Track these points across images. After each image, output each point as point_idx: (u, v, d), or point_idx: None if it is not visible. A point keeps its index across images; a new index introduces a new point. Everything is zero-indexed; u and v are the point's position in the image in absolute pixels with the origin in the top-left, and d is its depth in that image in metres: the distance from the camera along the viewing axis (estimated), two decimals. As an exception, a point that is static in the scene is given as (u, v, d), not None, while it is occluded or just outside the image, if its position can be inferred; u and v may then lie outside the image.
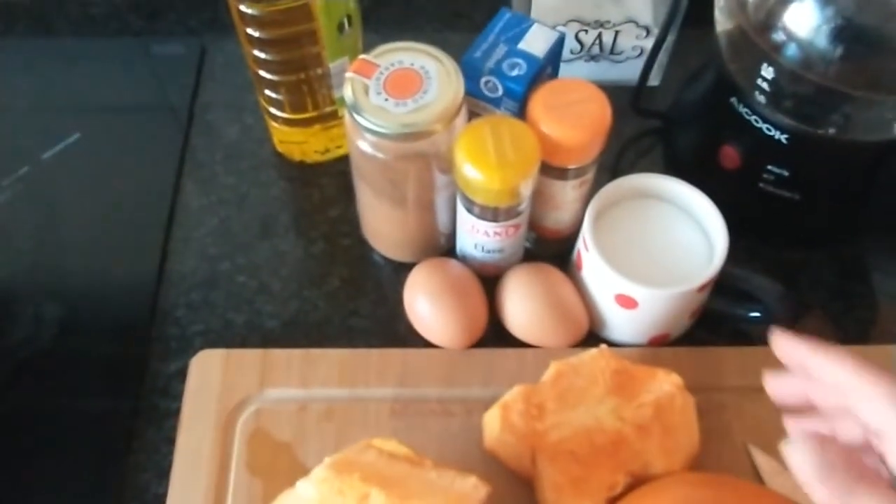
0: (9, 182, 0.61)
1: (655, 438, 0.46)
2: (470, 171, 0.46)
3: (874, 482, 0.32)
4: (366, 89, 0.46)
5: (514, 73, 0.49)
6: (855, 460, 0.33)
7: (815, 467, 0.33)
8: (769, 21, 0.49)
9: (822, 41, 0.47)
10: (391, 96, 0.46)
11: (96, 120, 0.65)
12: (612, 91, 0.50)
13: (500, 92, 0.50)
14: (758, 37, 0.49)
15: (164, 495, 0.48)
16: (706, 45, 0.56)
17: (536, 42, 0.50)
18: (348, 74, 0.47)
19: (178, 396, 0.51)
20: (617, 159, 0.63)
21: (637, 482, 0.45)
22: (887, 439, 0.33)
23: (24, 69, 0.68)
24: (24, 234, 0.59)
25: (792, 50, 0.48)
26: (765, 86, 0.50)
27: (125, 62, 0.69)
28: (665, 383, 0.47)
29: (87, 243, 0.59)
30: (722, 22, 0.53)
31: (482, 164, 0.45)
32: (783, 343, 0.37)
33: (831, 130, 0.50)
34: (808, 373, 0.36)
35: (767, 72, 0.49)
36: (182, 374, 0.52)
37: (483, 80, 0.50)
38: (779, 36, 0.48)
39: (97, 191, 0.62)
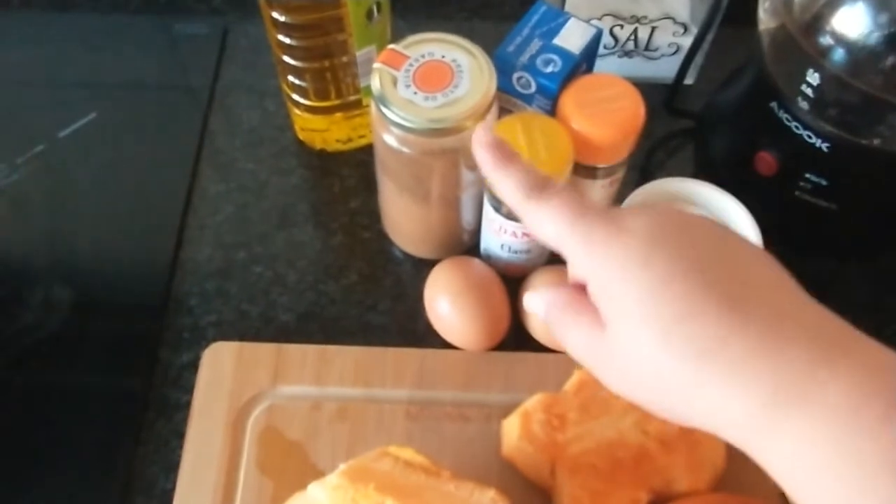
0: (23, 160, 0.60)
1: (680, 454, 0.44)
2: (499, 170, 0.44)
3: (577, 316, 0.35)
4: (394, 81, 0.45)
5: (549, 69, 0.47)
6: (566, 298, 0.37)
7: (542, 312, 0.38)
8: (817, 24, 0.47)
9: (872, 48, 0.45)
10: (420, 89, 0.44)
11: (114, 99, 0.64)
12: (644, 88, 0.48)
13: (534, 88, 0.48)
14: (804, 39, 0.47)
15: (171, 491, 0.46)
16: (744, 44, 0.54)
17: (572, 38, 0.48)
18: (376, 65, 0.45)
19: (189, 388, 0.50)
20: (646, 159, 0.62)
21: (660, 499, 0.44)
22: (564, 254, 0.35)
23: (42, 45, 0.67)
24: (38, 214, 0.58)
25: (840, 55, 0.46)
26: (809, 92, 0.48)
27: (146, 41, 0.67)
28: (692, 398, 0.45)
29: (101, 226, 0.58)
30: (765, 21, 0.51)
31: (512, 163, 0.44)
32: (477, 139, 0.38)
33: (875, 141, 0.48)
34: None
35: (813, 77, 0.47)
36: (194, 366, 0.51)
37: (516, 75, 0.48)
38: (826, 40, 0.46)
39: (113, 172, 0.60)
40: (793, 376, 0.29)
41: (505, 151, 0.37)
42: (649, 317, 0.32)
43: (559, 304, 0.37)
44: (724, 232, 0.34)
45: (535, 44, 0.48)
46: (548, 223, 0.35)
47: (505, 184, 0.36)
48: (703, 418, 0.32)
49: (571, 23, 0.49)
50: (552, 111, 0.48)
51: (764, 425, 0.30)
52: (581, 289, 0.35)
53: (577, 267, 0.35)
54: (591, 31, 0.48)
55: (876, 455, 0.28)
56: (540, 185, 0.36)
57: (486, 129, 0.38)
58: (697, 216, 0.35)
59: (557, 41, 0.48)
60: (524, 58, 0.47)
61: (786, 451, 0.30)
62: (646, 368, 0.32)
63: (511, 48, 0.48)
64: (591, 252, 0.34)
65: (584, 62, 0.49)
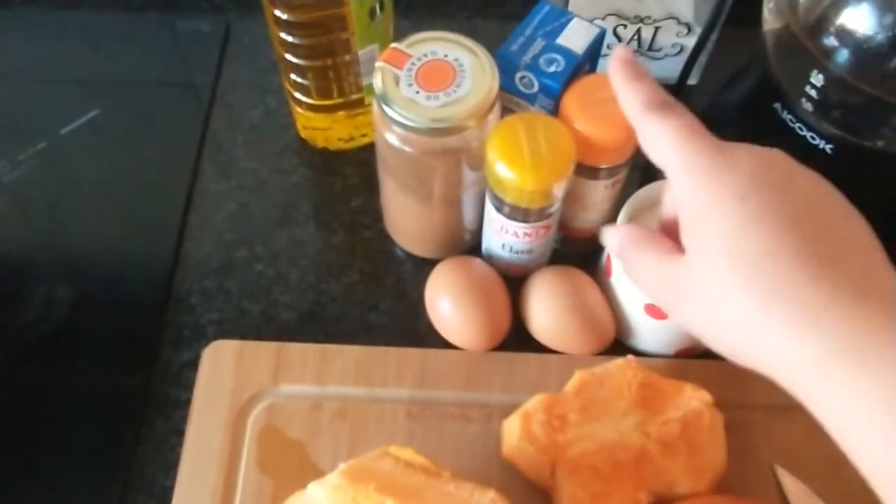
0: (25, 157, 0.60)
1: (681, 457, 0.44)
2: (502, 170, 0.44)
3: (653, 245, 0.38)
4: (396, 80, 0.44)
5: (552, 69, 0.47)
6: (640, 232, 0.39)
7: (616, 245, 0.40)
8: (821, 25, 0.47)
9: (877, 49, 0.44)
10: (422, 88, 0.44)
11: (116, 96, 0.64)
12: (648, 89, 0.48)
13: (536, 88, 0.48)
14: (808, 40, 0.47)
15: (170, 489, 0.46)
16: (748, 45, 0.54)
17: (576, 37, 0.48)
18: (379, 64, 0.45)
19: (189, 386, 0.50)
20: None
21: (660, 501, 0.44)
22: (668, 175, 0.37)
23: (44, 42, 0.67)
24: (39, 212, 0.58)
25: (844, 57, 0.45)
26: (812, 93, 0.47)
27: (148, 38, 0.67)
28: (693, 399, 0.45)
29: (102, 223, 0.58)
30: (770, 22, 0.51)
31: (515, 163, 0.43)
32: (616, 51, 0.40)
33: (879, 143, 0.48)
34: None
35: (817, 79, 0.47)
36: (194, 364, 0.51)
37: (518, 75, 0.48)
38: (831, 41, 0.46)
39: (114, 169, 0.60)
40: (864, 333, 0.30)
41: (637, 69, 0.39)
42: (733, 250, 0.33)
43: (634, 237, 0.39)
44: (829, 188, 0.35)
45: (538, 43, 0.48)
46: (659, 140, 0.36)
47: (629, 96, 0.38)
48: (760, 358, 0.33)
49: (574, 22, 0.48)
50: (555, 111, 0.48)
51: (822, 374, 0.31)
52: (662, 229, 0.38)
53: (677, 190, 0.36)
54: (595, 31, 0.48)
55: None
56: (661, 102, 0.37)
57: (625, 48, 0.40)
58: (807, 169, 0.36)
59: (560, 41, 0.48)
60: (527, 57, 0.47)
61: (840, 402, 0.31)
62: (716, 300, 0.33)
63: (514, 48, 0.48)
64: (693, 177, 0.35)
65: (587, 62, 0.49)
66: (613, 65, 0.39)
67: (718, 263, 0.33)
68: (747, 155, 0.35)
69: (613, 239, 0.41)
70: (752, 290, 0.32)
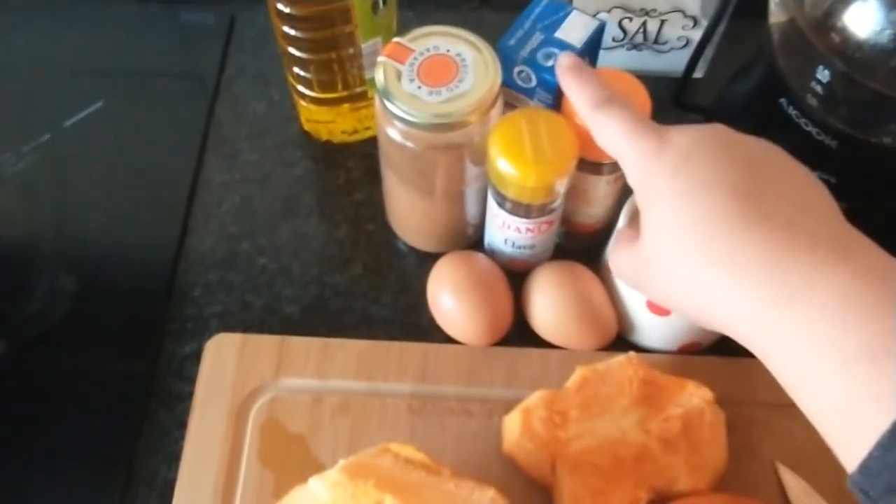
0: (29, 148, 0.60)
1: (682, 454, 0.44)
2: (504, 166, 0.44)
3: (622, 236, 0.44)
4: (398, 75, 0.44)
5: (550, 63, 0.47)
6: (623, 231, 0.45)
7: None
8: (828, 20, 0.46)
9: (883, 45, 0.44)
10: (425, 84, 0.44)
11: (120, 88, 0.64)
12: (653, 82, 0.48)
13: (534, 82, 0.48)
14: (814, 35, 0.47)
15: (173, 481, 0.47)
16: (755, 38, 0.54)
17: (574, 31, 0.48)
18: (381, 58, 0.45)
19: (191, 379, 0.50)
20: (654, 154, 0.61)
21: (660, 499, 0.44)
22: (621, 163, 0.40)
23: (48, 34, 0.67)
24: (43, 203, 0.58)
25: (851, 52, 0.45)
26: (818, 89, 0.47)
27: (152, 29, 0.67)
28: (695, 397, 0.45)
29: (106, 215, 0.58)
30: (776, 15, 0.50)
31: (517, 159, 0.43)
32: (561, 57, 0.44)
33: (885, 139, 0.47)
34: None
35: (823, 74, 0.46)
36: (197, 357, 0.51)
37: (516, 69, 0.47)
38: (837, 36, 0.45)
39: (118, 161, 0.60)
40: (792, 279, 0.33)
41: (582, 71, 0.43)
42: (674, 224, 0.36)
43: (616, 237, 0.44)
44: (773, 152, 0.38)
45: (537, 37, 0.47)
46: (608, 134, 0.40)
47: (577, 97, 0.42)
48: (724, 321, 0.36)
49: (573, 15, 0.48)
50: (553, 105, 0.48)
51: (766, 326, 0.33)
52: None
53: (629, 177, 0.39)
54: (594, 24, 0.48)
55: (860, 343, 0.30)
56: (605, 99, 0.40)
57: (568, 55, 0.44)
58: (749, 137, 0.38)
59: (559, 34, 0.47)
60: (525, 51, 0.47)
61: (784, 347, 0.33)
62: (671, 269, 0.37)
63: (512, 41, 0.47)
64: (638, 163, 0.38)
65: (587, 55, 0.48)
66: (561, 72, 0.44)
67: (666, 236, 0.36)
68: (681, 133, 0.38)
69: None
70: (696, 255, 0.35)
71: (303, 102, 0.58)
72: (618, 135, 0.39)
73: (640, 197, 0.39)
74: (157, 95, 0.64)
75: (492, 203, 0.48)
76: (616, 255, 0.43)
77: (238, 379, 0.49)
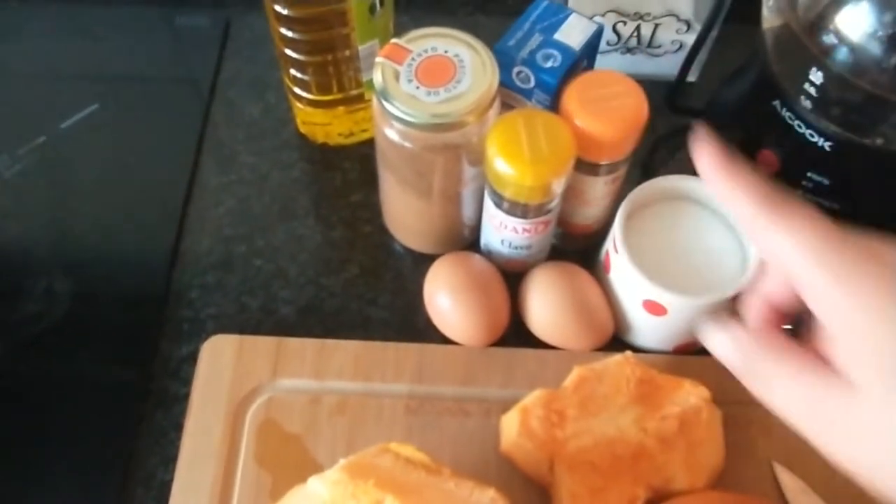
0: (24, 151, 0.60)
1: (679, 453, 0.44)
2: (502, 165, 0.44)
3: (780, 357, 0.31)
4: (396, 75, 0.44)
5: (549, 64, 0.47)
6: (771, 338, 0.32)
7: (731, 353, 0.33)
8: (820, 22, 0.47)
9: (876, 47, 0.44)
10: (422, 84, 0.44)
11: (116, 91, 0.64)
12: (647, 85, 0.48)
13: (533, 83, 0.48)
14: (807, 38, 0.47)
15: (170, 482, 0.46)
16: (748, 42, 0.54)
17: (573, 33, 0.48)
18: (379, 59, 0.45)
19: (188, 381, 0.50)
20: (649, 156, 0.62)
21: (658, 497, 0.44)
22: (801, 286, 0.30)
23: (44, 36, 0.67)
24: (39, 206, 0.58)
25: (844, 54, 0.45)
26: (812, 91, 0.47)
27: (148, 32, 0.67)
28: (692, 396, 0.45)
29: (102, 217, 0.58)
30: (769, 19, 0.51)
31: (515, 159, 0.44)
32: (700, 148, 0.33)
33: (878, 140, 0.48)
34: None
35: (816, 76, 0.47)
36: (193, 358, 0.51)
37: (515, 70, 0.48)
38: (830, 39, 0.46)
39: (114, 164, 0.60)
40: None
41: (729, 161, 0.33)
42: None
43: (769, 346, 0.32)
44: None
45: (536, 39, 0.48)
46: (783, 248, 0.30)
47: (734, 199, 0.32)
48: None
49: (573, 18, 0.48)
50: (551, 106, 0.48)
51: None
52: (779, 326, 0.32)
53: (818, 303, 0.30)
54: (592, 27, 0.48)
55: None
56: (776, 202, 0.31)
57: (703, 130, 0.33)
58: None
59: (558, 36, 0.48)
60: (524, 52, 0.47)
61: None
62: None
63: (511, 42, 0.48)
64: (839, 286, 0.29)
65: (585, 58, 0.49)
66: (703, 161, 0.33)
67: None
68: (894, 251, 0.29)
69: (723, 345, 0.33)
70: None
71: (299, 105, 0.58)
72: (801, 251, 0.30)
73: (840, 332, 0.29)
74: (153, 98, 0.64)
75: (489, 203, 0.49)
76: (785, 388, 0.31)
77: (235, 380, 0.49)
